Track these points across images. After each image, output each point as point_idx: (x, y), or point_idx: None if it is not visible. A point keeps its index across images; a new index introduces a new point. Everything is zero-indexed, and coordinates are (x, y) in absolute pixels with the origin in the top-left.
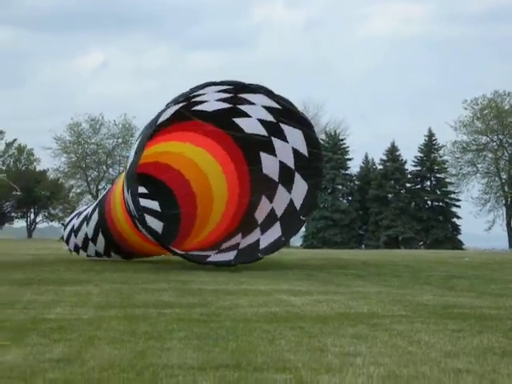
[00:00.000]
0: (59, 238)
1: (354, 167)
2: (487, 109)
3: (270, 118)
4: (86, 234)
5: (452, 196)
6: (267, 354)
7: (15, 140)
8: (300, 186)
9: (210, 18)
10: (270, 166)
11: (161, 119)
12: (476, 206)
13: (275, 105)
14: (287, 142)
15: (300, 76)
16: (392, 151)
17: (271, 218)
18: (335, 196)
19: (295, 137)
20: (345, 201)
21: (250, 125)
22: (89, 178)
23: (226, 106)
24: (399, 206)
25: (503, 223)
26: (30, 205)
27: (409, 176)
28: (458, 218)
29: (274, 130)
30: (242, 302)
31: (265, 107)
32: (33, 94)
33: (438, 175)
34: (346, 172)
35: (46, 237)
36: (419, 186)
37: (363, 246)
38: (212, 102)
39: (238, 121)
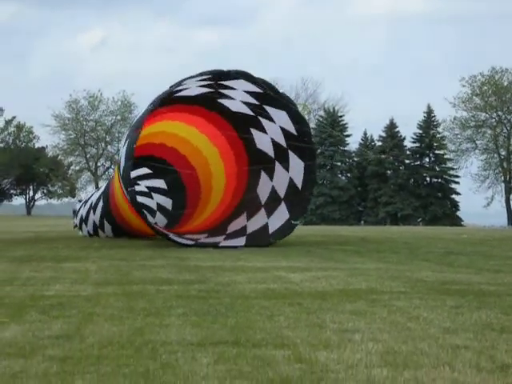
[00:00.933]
0: (74, 227)
1: (353, 144)
2: (486, 85)
3: (252, 100)
4: (94, 222)
5: (451, 172)
6: (266, 330)
7: (14, 117)
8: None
9: None
10: (262, 142)
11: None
12: (475, 183)
13: (257, 89)
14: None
15: (300, 52)
16: (391, 128)
17: (275, 199)
18: (334, 173)
19: (280, 116)
20: (343, 177)
21: (236, 105)
22: (88, 155)
23: (208, 90)
24: (398, 183)
25: (502, 200)
26: (28, 182)
27: (408, 152)
28: (457, 194)
29: (259, 110)
30: (240, 278)
31: (246, 92)
32: (32, 70)
33: (436, 152)
34: (345, 149)
35: (45, 214)
36: (418, 163)
37: (362, 222)
38: (194, 88)
39: (224, 101)
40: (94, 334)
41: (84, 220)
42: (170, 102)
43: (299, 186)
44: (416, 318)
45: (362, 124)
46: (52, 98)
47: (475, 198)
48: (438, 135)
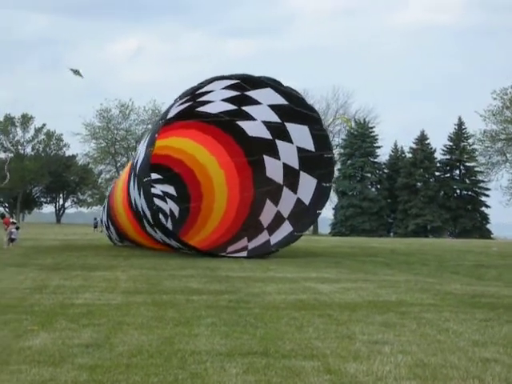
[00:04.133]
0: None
1: (383, 155)
2: None
3: (275, 118)
4: (105, 223)
5: (481, 185)
6: (295, 341)
7: (44, 125)
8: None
9: (244, 5)
10: (273, 169)
11: (169, 115)
12: (505, 196)
13: (282, 101)
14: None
15: (332, 63)
16: (421, 139)
17: (278, 220)
18: (364, 184)
19: (300, 134)
20: (373, 189)
21: (255, 128)
22: (118, 164)
23: (231, 107)
24: (428, 195)
25: None
26: (58, 190)
27: (438, 164)
28: (487, 207)
29: (278, 131)
30: (270, 289)
31: (271, 106)
32: (64, 79)
33: (467, 164)
34: (375, 160)
35: (75, 222)
36: (448, 175)
37: (391, 234)
38: (218, 102)
39: (242, 124)
40: (123, 343)
41: (101, 219)
42: (189, 115)
43: (307, 203)
44: (445, 331)
45: (393, 135)
46: (83, 107)
47: (506, 211)
48: (468, 147)
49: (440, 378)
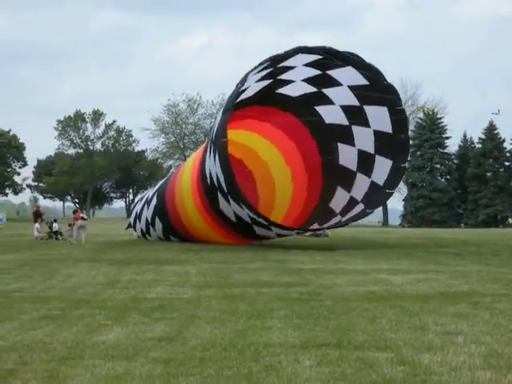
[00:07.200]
0: (126, 227)
1: (453, 146)
2: None
3: (354, 101)
4: (147, 219)
5: None
6: (368, 332)
7: (114, 121)
8: (382, 167)
9: None
10: (347, 156)
11: (244, 95)
12: None
13: (363, 81)
14: (369, 126)
15: (402, 55)
16: (490, 129)
17: (352, 204)
18: (433, 175)
19: (379, 116)
20: (443, 180)
21: (333, 113)
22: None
23: (311, 89)
24: (498, 185)
25: None
26: (128, 185)
27: (507, 154)
28: None
29: (355, 116)
30: (341, 281)
31: (351, 87)
32: (133, 74)
33: None
34: (445, 151)
35: None
36: None
37: (462, 224)
38: (298, 82)
39: (320, 109)
40: (196, 337)
41: (147, 233)
42: (268, 97)
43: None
44: None
45: (462, 126)
46: (152, 103)
47: None
48: None
49: None
